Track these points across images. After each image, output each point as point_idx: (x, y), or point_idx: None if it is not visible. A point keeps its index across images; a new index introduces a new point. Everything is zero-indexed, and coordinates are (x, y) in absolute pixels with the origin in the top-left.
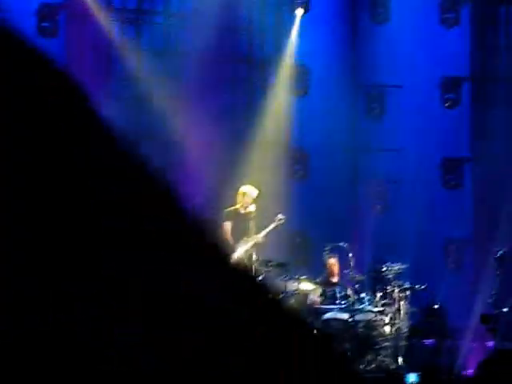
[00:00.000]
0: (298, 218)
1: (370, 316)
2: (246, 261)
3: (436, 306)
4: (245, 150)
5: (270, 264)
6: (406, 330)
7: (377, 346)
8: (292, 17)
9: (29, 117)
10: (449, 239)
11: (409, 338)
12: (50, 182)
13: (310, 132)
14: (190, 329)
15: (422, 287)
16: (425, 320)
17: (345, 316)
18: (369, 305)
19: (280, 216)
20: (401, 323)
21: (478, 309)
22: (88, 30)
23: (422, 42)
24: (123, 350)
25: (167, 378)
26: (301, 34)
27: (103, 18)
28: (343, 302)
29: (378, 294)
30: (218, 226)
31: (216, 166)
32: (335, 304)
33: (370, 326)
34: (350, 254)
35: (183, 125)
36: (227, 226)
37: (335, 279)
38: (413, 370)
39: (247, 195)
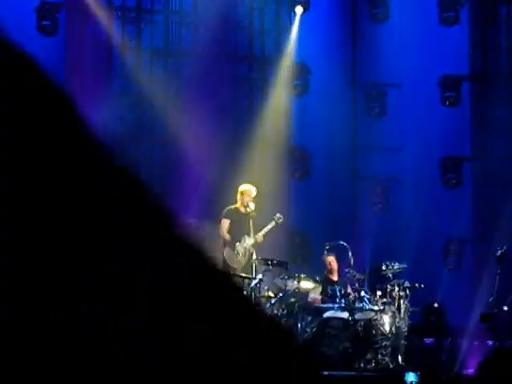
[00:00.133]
0: (299, 217)
1: (370, 315)
2: (245, 259)
3: (436, 305)
4: (245, 149)
5: (270, 263)
6: (405, 328)
7: (376, 345)
8: (292, 16)
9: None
10: (448, 238)
11: (408, 337)
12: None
13: (310, 131)
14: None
15: (422, 286)
16: (424, 319)
17: (345, 315)
18: (368, 304)
19: (278, 215)
20: (400, 322)
21: (478, 308)
22: (88, 28)
23: (421, 41)
24: (127, 344)
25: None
26: (301, 33)
27: (103, 17)
28: (343, 301)
29: (378, 293)
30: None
31: (216, 164)
32: (335, 303)
33: (370, 324)
34: (350, 253)
35: (183, 123)
36: (225, 223)
37: (335, 277)
38: (412, 369)
39: (246, 194)
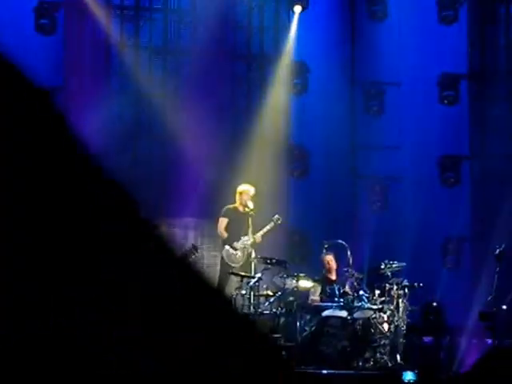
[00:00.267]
0: (297, 216)
1: (369, 314)
2: (244, 258)
3: (434, 304)
4: (244, 148)
5: (269, 261)
6: (404, 327)
7: (375, 344)
8: (291, 14)
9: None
10: (447, 237)
11: (407, 335)
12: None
13: (309, 130)
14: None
15: (421, 285)
16: (423, 318)
17: (343, 313)
18: (367, 302)
19: (277, 217)
20: (399, 321)
21: (477, 306)
22: (87, 27)
23: (420, 40)
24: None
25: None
26: (299, 32)
27: (102, 15)
28: (342, 300)
29: (377, 292)
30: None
31: (215, 163)
32: (334, 301)
33: (369, 323)
34: (349, 252)
35: (182, 122)
36: (223, 221)
37: (333, 276)
38: (411, 368)
39: (245, 193)
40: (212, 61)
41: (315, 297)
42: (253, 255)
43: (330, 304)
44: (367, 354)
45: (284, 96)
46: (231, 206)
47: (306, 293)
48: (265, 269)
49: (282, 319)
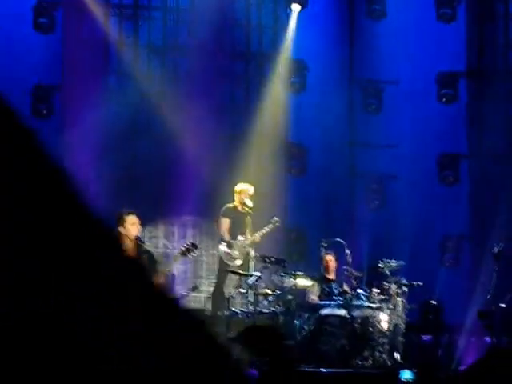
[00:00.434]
0: (295, 214)
1: (367, 312)
2: (242, 257)
3: (433, 302)
4: (242, 146)
5: (267, 260)
6: (403, 326)
7: (374, 343)
8: (289, 12)
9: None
10: (446, 235)
11: (406, 334)
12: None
13: (308, 128)
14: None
15: (419, 283)
16: (422, 316)
17: (342, 312)
18: (366, 301)
19: (276, 219)
20: (398, 319)
21: (475, 305)
22: (85, 25)
23: (418, 38)
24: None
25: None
26: (298, 30)
27: (100, 14)
28: (340, 298)
29: (375, 290)
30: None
31: (213, 161)
32: (332, 300)
33: (367, 322)
34: (347, 250)
35: (180, 120)
36: (226, 222)
37: (331, 276)
38: (410, 366)
39: (244, 192)
40: (210, 59)
41: (314, 296)
42: (251, 254)
43: (328, 303)
44: (366, 353)
45: (282, 94)
46: (231, 205)
47: (304, 291)
48: (263, 267)
49: (281, 318)
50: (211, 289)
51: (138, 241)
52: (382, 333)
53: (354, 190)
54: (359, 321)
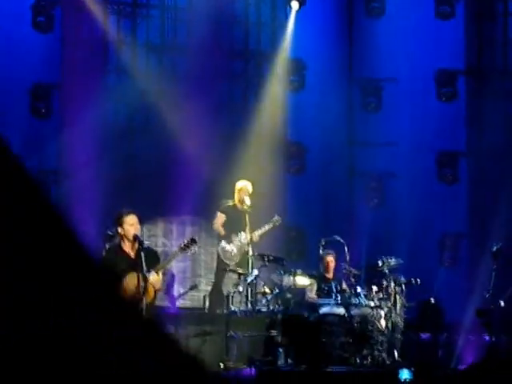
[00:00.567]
0: (294, 212)
1: (366, 311)
2: (240, 256)
3: (432, 301)
4: (241, 145)
5: (266, 258)
6: (401, 324)
7: (372, 341)
8: (288, 11)
9: None
10: (444, 233)
11: (404, 332)
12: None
13: (307, 126)
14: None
15: (418, 281)
16: (420, 314)
17: (341, 311)
18: (365, 299)
19: (277, 218)
20: (396, 318)
21: (474, 303)
22: (84, 24)
23: (417, 36)
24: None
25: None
26: (297, 28)
27: (99, 13)
28: (339, 297)
29: (374, 289)
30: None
31: (212, 160)
32: (331, 298)
33: (366, 320)
34: (346, 249)
35: (179, 119)
36: (220, 217)
37: (330, 275)
38: (408, 365)
39: (243, 191)
40: (209, 58)
41: (312, 294)
42: (250, 252)
43: (327, 301)
44: (365, 351)
45: (281, 93)
46: (230, 202)
47: (303, 290)
48: (262, 266)
49: (280, 316)
50: (210, 287)
51: (137, 240)
52: (380, 331)
53: (353, 188)
54: (358, 319)
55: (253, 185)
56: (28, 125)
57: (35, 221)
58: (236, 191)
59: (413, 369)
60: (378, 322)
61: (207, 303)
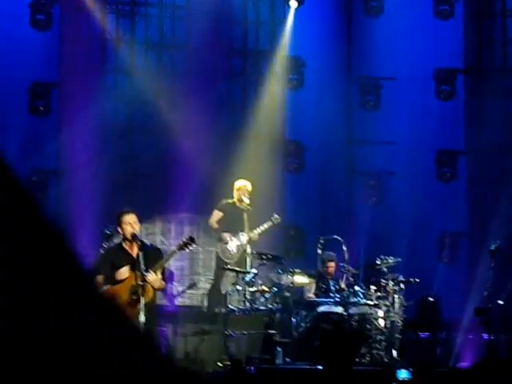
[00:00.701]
0: (293, 211)
1: (365, 309)
2: (239, 255)
3: (430, 299)
4: (240, 143)
5: (264, 257)
6: (400, 323)
7: (371, 340)
8: (287, 9)
9: None
10: (443, 232)
11: (403, 331)
12: None
13: (305, 125)
14: None
15: (417, 280)
16: (419, 313)
17: (339, 309)
18: (363, 298)
19: (276, 216)
20: (395, 316)
21: (473, 302)
22: (82, 22)
23: (416, 35)
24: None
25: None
26: (295, 27)
27: (97, 11)
28: (338, 296)
29: (373, 288)
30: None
31: (210, 158)
32: (330, 297)
33: (365, 319)
34: (345, 247)
35: (177, 117)
36: (217, 214)
37: (329, 277)
38: (407, 363)
39: (242, 190)
40: (207, 56)
41: (310, 293)
42: (248, 251)
43: (325, 300)
44: (363, 350)
45: (280, 91)
46: (230, 200)
47: (301, 289)
48: (260, 264)
49: (278, 315)
50: (208, 286)
51: (136, 239)
52: (379, 330)
53: (351, 186)
54: (356, 318)
55: (251, 183)
56: (27, 123)
57: (26, 225)
58: (235, 190)
59: (411, 368)
60: (377, 320)
61: (206, 302)
